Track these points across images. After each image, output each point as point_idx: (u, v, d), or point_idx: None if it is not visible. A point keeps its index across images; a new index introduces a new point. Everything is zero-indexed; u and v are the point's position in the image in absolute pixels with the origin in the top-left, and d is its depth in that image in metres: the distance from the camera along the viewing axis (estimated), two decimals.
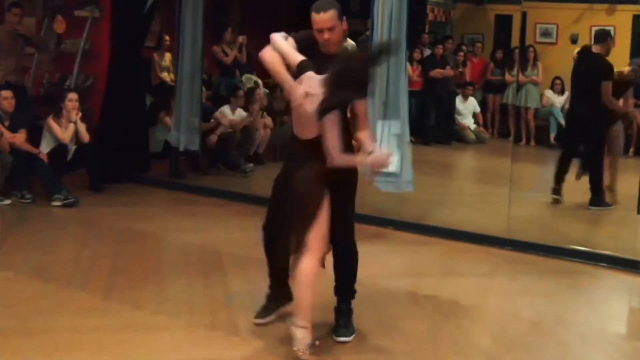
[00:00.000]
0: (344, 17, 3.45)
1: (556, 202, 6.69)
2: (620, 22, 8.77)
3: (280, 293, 3.72)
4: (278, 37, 3.45)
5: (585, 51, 6.61)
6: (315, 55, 3.43)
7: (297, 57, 3.38)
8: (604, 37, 6.55)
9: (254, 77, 8.93)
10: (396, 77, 5.60)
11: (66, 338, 3.52)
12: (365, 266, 3.73)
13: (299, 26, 3.65)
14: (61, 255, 4.88)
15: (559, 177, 6.66)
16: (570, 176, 6.68)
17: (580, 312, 4.27)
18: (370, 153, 3.34)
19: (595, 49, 6.50)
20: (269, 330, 3.67)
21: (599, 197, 6.49)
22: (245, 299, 4.12)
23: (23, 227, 5.51)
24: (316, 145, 3.30)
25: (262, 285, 4.34)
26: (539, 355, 3.61)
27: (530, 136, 9.72)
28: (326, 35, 3.39)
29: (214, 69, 8.70)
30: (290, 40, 3.48)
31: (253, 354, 3.48)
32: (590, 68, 6.42)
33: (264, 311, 3.74)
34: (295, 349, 3.29)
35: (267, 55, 3.43)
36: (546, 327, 3.97)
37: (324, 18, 3.37)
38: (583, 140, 6.63)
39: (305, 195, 3.29)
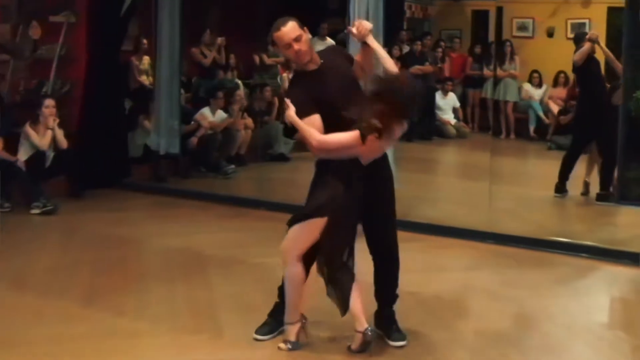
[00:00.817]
0: (305, 28, 3.39)
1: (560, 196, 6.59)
2: (595, 15, 8.83)
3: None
4: (318, 134, 3.26)
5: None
6: (306, 80, 3.36)
7: (350, 133, 3.24)
8: (580, 38, 6.63)
9: (234, 78, 8.90)
10: None
11: (47, 347, 3.48)
12: None
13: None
14: (41, 264, 4.82)
15: (564, 175, 6.56)
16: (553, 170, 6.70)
17: (564, 304, 4.29)
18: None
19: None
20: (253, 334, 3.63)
21: (606, 191, 6.31)
22: (228, 302, 4.10)
23: (2, 236, 5.43)
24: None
25: (245, 286, 4.34)
26: (525, 348, 3.62)
27: (510, 129, 9.76)
28: (296, 47, 3.32)
29: (195, 70, 8.65)
30: (295, 93, 3.38)
31: (237, 357, 3.46)
32: (572, 63, 6.54)
33: (266, 327, 3.59)
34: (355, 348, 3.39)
35: (322, 138, 3.25)
36: (531, 320, 3.99)
37: (286, 30, 3.32)
38: (592, 138, 6.52)
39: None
